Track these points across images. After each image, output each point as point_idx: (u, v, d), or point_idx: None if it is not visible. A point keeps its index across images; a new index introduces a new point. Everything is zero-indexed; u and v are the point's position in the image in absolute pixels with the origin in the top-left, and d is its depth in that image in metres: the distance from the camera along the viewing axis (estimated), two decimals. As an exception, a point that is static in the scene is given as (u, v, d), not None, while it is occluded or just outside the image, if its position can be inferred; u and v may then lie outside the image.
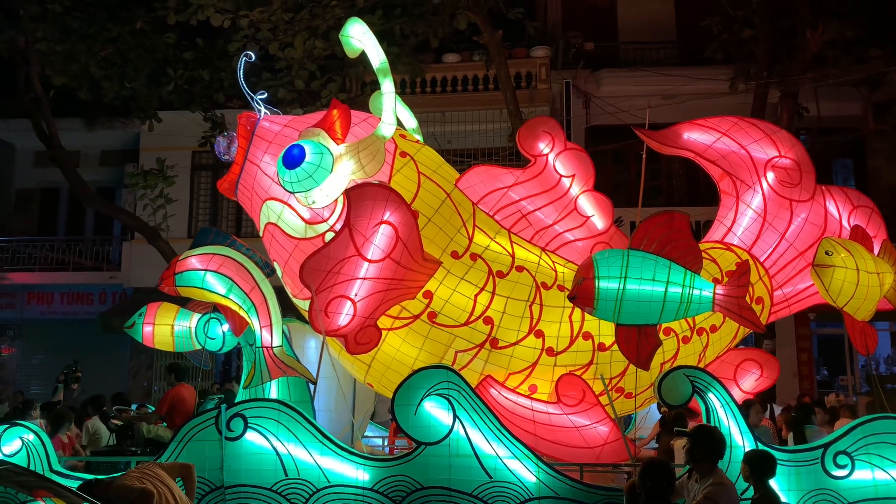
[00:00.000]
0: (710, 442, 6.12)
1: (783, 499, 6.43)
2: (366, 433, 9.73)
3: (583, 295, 7.10)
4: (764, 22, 17.26)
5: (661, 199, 21.01)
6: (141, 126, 18.85)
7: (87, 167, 20.56)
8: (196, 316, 8.31)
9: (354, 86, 19.46)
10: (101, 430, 9.55)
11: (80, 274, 20.43)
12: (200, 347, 8.27)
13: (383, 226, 7.22)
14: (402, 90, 20.41)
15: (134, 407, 10.58)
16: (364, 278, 7.22)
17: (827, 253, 7.13)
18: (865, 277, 7.13)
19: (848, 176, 21.71)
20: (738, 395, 8.44)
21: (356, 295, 7.22)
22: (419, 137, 9.02)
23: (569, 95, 20.79)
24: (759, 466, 6.12)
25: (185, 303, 8.55)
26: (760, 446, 6.99)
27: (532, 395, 7.89)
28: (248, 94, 8.32)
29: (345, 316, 7.21)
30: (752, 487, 6.23)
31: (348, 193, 7.13)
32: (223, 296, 7.54)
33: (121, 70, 17.26)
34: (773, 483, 6.28)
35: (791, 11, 17.16)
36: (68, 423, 8.37)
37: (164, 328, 8.52)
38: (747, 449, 6.96)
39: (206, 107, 17.86)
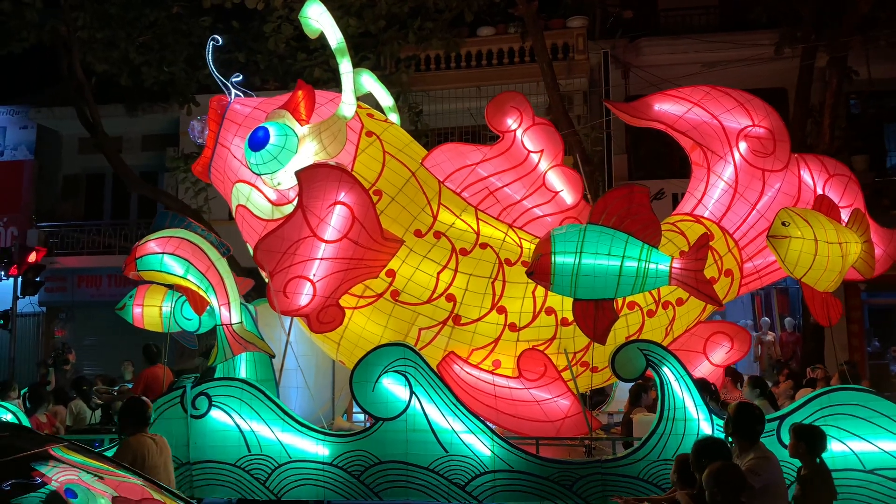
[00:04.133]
0: (740, 419, 5.91)
1: None
2: (354, 410, 9.88)
3: (540, 270, 7.12)
4: (811, -18, 16.63)
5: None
6: (180, 110, 19.17)
7: (129, 152, 21.06)
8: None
9: (389, 63, 19.55)
10: (84, 410, 9.93)
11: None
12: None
13: (338, 206, 7.31)
14: (437, 65, 20.43)
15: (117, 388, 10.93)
16: (322, 258, 7.32)
17: (784, 224, 6.95)
18: (825, 248, 6.92)
19: (902, 140, 20.99)
20: (708, 369, 8.37)
21: (314, 275, 7.33)
22: (395, 116, 9.07)
23: (607, 66, 20.31)
24: (812, 442, 5.91)
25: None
26: (716, 419, 6.94)
27: (495, 371, 7.93)
28: (219, 79, 8.55)
29: (304, 296, 7.33)
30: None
31: (299, 175, 7.22)
32: (181, 277, 7.75)
33: (159, 55, 17.61)
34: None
35: (839, -30, 16.47)
36: (46, 404, 8.70)
37: (153, 309, 8.76)
38: (703, 421, 6.93)
39: (242, 90, 18.13)
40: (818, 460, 5.94)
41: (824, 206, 7.40)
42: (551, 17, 20.18)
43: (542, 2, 17.45)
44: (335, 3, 15.77)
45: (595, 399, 10.37)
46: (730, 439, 5.97)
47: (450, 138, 18.48)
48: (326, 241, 7.30)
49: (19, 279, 18.15)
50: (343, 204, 7.31)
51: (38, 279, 18.50)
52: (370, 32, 17.12)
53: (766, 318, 19.09)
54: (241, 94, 8.62)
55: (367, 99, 8.83)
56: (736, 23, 19.95)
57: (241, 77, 8.77)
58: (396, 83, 18.89)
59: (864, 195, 8.48)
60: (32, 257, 18.54)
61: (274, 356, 7.93)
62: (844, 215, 7.74)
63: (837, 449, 6.77)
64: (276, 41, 16.87)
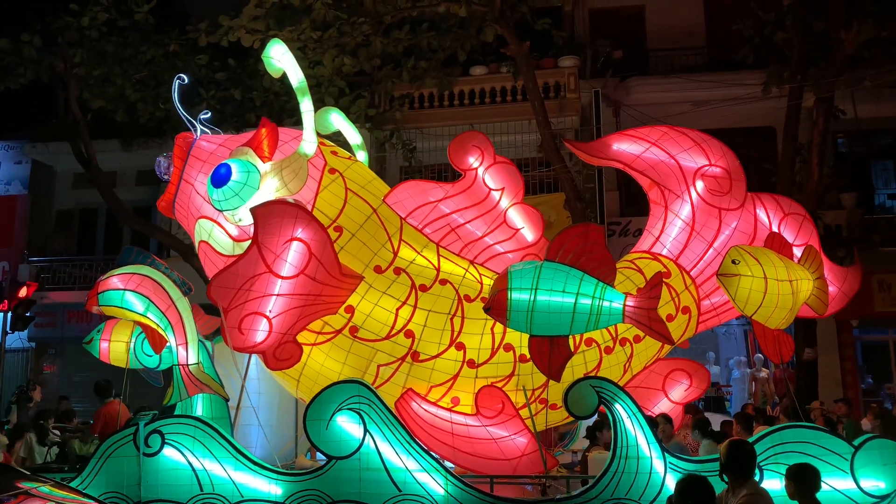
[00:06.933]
0: (733, 456, 5.89)
1: None
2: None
3: (497, 306, 7.15)
4: (797, 24, 16.75)
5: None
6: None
7: (123, 187, 21.17)
8: None
9: (383, 101, 19.76)
10: (35, 445, 9.89)
11: (119, 292, 20.76)
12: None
13: (295, 242, 7.33)
14: (431, 103, 20.62)
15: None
16: (278, 295, 7.34)
17: (734, 262, 6.98)
18: (775, 285, 6.94)
19: (889, 178, 21.08)
20: (667, 406, 8.34)
21: (270, 311, 7.33)
22: (363, 154, 9.14)
23: (598, 104, 20.46)
24: (801, 481, 5.82)
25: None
26: (668, 457, 6.91)
27: (454, 408, 7.91)
28: (184, 115, 8.61)
29: (260, 332, 7.32)
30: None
31: (254, 212, 7.26)
32: (141, 314, 7.78)
33: (155, 92, 17.82)
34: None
35: (824, 12, 16.60)
36: (-1, 445, 8.69)
37: (120, 345, 8.76)
38: (656, 459, 6.90)
39: (237, 126, 18.29)
40: (811, 498, 5.84)
41: (776, 244, 7.44)
42: (543, 56, 20.41)
43: (534, 42, 17.58)
44: (331, 42, 15.98)
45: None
46: (724, 476, 5.94)
47: (443, 174, 18.58)
48: (282, 277, 7.30)
49: (9, 314, 18.25)
50: (299, 240, 7.34)
51: (28, 314, 18.57)
52: (365, 71, 17.34)
53: (760, 355, 19.02)
54: (207, 131, 8.70)
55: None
56: (724, 63, 20.14)
57: (208, 114, 8.85)
58: (391, 120, 19.15)
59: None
60: (23, 292, 18.64)
61: (229, 399, 7.94)
62: (799, 253, 7.76)
63: (789, 488, 6.71)
64: (271, 78, 17.01)
